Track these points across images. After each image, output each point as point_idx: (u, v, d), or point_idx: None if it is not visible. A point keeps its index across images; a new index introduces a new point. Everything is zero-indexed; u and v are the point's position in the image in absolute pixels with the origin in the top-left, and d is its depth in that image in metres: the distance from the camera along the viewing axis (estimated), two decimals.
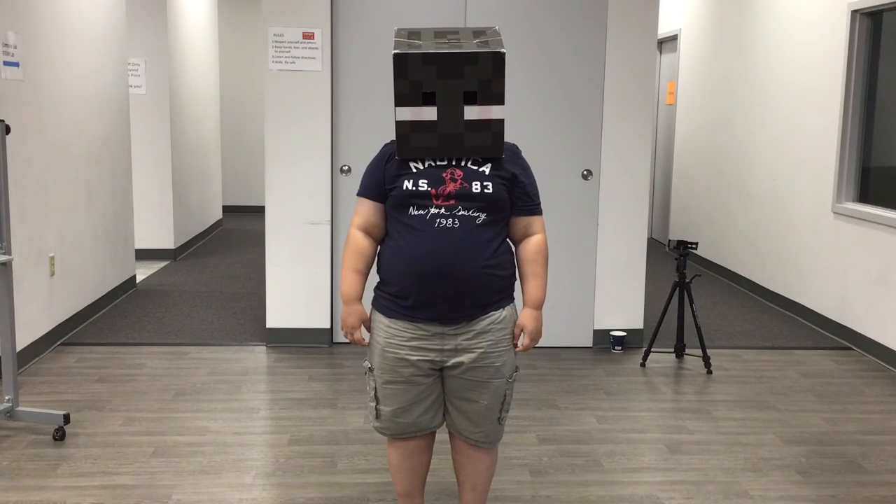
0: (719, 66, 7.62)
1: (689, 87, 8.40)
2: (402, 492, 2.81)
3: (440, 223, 2.49)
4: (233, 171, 11.30)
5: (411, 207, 2.51)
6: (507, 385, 2.66)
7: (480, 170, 2.54)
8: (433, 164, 2.54)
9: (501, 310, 2.60)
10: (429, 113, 2.47)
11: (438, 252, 2.48)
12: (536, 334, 2.64)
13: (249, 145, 11.24)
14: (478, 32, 2.56)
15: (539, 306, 2.64)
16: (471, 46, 2.45)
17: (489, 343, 2.57)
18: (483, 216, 2.51)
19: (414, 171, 2.53)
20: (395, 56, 2.43)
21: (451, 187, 2.50)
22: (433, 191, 2.50)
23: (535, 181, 2.67)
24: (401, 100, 2.48)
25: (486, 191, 2.51)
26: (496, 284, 2.56)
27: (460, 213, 2.49)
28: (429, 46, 2.46)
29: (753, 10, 6.92)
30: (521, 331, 2.64)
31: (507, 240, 2.65)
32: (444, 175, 2.52)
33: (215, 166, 9.75)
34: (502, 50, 2.43)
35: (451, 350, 2.56)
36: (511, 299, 2.64)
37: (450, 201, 2.49)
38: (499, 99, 2.48)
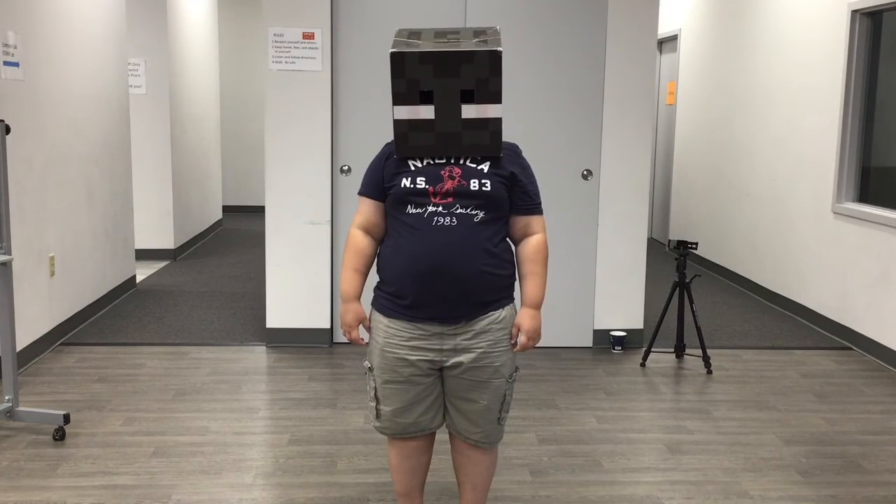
0: (719, 66, 7.62)
1: (689, 87, 8.40)
2: (401, 492, 2.81)
3: (438, 221, 2.48)
4: (233, 171, 11.30)
5: (409, 205, 2.51)
6: (507, 385, 2.65)
7: (479, 168, 2.54)
8: (432, 162, 2.54)
9: (501, 309, 2.59)
10: (426, 112, 2.47)
11: (436, 250, 2.47)
12: (534, 334, 2.63)
13: (249, 145, 11.24)
14: (478, 32, 2.56)
15: (537, 306, 2.63)
16: (469, 45, 2.45)
17: (489, 343, 2.57)
18: (481, 214, 2.50)
19: (412, 168, 2.53)
20: (392, 55, 2.43)
21: (448, 185, 2.50)
22: (431, 188, 2.49)
23: (535, 181, 2.66)
24: (398, 99, 2.48)
25: (483, 188, 2.50)
26: (495, 283, 2.56)
27: (458, 211, 2.48)
28: (427, 45, 2.46)
29: (753, 10, 6.92)
30: (519, 330, 2.63)
31: (508, 239, 2.64)
32: (442, 173, 2.51)
33: (215, 166, 9.75)
34: (499, 48, 2.43)
35: (451, 350, 2.56)
36: (511, 299, 2.64)
37: (447, 199, 2.49)
38: (496, 98, 2.47)
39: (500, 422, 2.70)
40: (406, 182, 2.51)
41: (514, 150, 2.66)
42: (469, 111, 2.47)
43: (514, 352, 2.66)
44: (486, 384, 2.60)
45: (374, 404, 2.68)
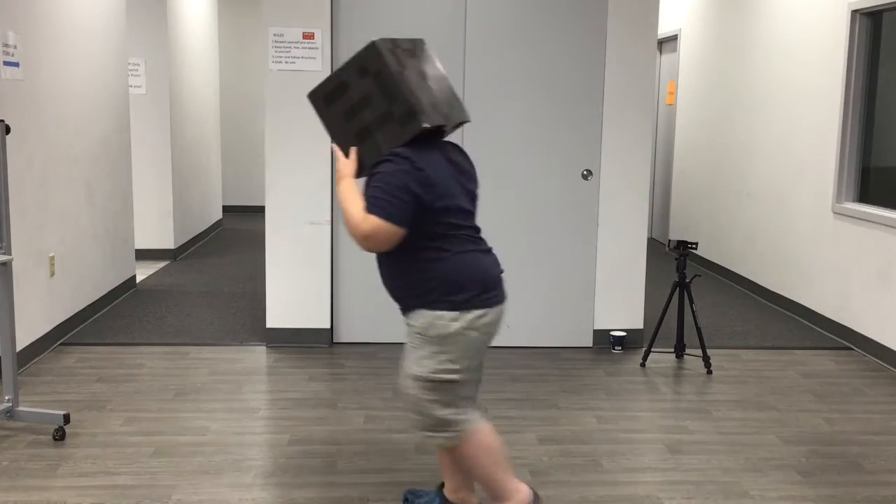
0: (719, 66, 7.62)
1: (689, 87, 8.40)
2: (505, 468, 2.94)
3: None
4: (233, 171, 11.30)
5: None
6: (408, 382, 2.80)
7: None
8: None
9: (413, 311, 2.79)
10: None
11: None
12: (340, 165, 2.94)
13: (249, 145, 11.24)
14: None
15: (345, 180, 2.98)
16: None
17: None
18: None
19: None
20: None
21: None
22: None
23: (377, 183, 2.74)
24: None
25: None
26: (407, 289, 2.78)
27: None
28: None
29: (753, 10, 6.92)
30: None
31: (410, 254, 2.75)
32: None
33: (215, 166, 9.75)
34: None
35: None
36: (425, 307, 2.74)
37: None
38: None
39: (417, 412, 2.81)
40: None
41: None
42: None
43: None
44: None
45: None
